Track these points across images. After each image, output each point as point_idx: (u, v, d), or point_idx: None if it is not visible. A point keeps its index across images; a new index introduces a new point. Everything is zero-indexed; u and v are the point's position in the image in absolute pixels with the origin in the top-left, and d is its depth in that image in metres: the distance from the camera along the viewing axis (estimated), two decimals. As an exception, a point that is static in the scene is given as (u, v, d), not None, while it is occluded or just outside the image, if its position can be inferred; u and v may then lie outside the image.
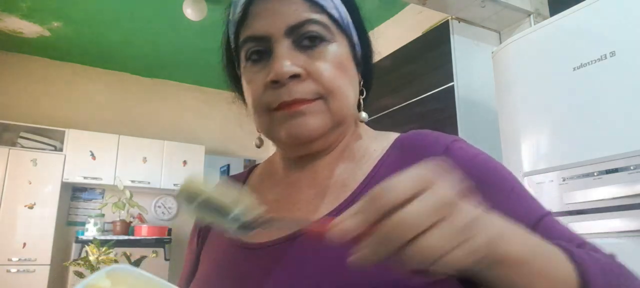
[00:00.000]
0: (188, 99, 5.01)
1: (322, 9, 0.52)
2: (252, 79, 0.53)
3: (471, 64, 2.41)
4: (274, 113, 0.52)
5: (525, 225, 0.41)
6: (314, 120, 0.51)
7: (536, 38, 1.65)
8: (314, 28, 0.51)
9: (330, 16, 0.53)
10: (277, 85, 0.51)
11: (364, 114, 0.60)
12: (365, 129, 0.61)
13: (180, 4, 3.28)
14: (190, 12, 3.28)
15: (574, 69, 1.49)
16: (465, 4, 2.36)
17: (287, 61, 0.50)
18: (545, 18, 2.39)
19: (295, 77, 0.50)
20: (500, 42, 2.52)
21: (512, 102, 1.73)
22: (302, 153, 0.57)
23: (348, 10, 0.56)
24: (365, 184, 0.52)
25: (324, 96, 0.51)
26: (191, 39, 3.93)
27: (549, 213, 0.48)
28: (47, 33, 3.94)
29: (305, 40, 0.51)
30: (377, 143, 0.57)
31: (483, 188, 0.44)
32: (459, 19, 2.47)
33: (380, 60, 3.22)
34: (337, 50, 0.53)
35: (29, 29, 3.86)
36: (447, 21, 2.45)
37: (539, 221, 0.47)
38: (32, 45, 4.16)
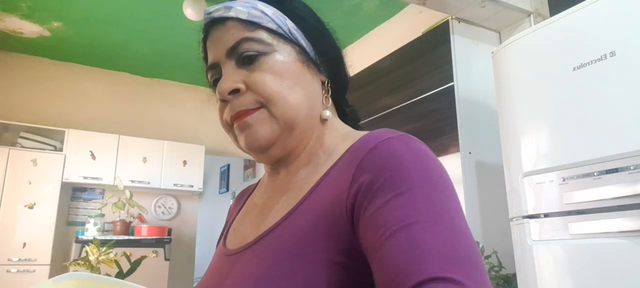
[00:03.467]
0: (188, 99, 5.00)
1: (257, 25, 0.57)
2: (217, 103, 0.60)
3: (471, 64, 2.41)
4: (231, 128, 0.58)
5: (383, 231, 0.41)
6: (261, 129, 0.55)
7: (536, 38, 1.65)
8: (250, 44, 0.56)
9: (267, 29, 0.57)
10: (225, 104, 0.57)
11: (326, 113, 0.60)
12: (338, 130, 0.61)
13: (180, 4, 3.28)
14: (190, 12, 3.28)
15: (574, 69, 1.49)
16: (465, 4, 2.36)
17: (227, 80, 0.56)
18: (545, 18, 2.39)
19: (236, 92, 0.56)
20: (500, 42, 2.52)
21: (512, 102, 1.73)
22: (268, 162, 0.61)
23: (290, 17, 0.59)
24: (313, 190, 0.53)
25: (264, 104, 0.55)
26: (191, 39, 3.89)
27: (416, 223, 0.40)
28: (47, 33, 3.94)
29: (244, 57, 0.56)
30: (345, 143, 0.56)
31: (378, 186, 0.44)
32: (459, 19, 2.47)
33: (380, 60, 3.25)
34: (278, 58, 0.57)
35: (29, 29, 3.86)
36: (447, 21, 2.45)
37: (400, 229, 0.40)
38: (32, 45, 4.16)
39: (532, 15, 2.43)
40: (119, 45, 4.15)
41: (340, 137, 0.59)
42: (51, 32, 3.93)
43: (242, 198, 0.73)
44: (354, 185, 0.47)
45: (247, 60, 0.56)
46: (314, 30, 0.61)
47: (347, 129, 0.62)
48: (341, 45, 0.65)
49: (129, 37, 3.99)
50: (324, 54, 0.61)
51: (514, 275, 1.71)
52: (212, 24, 0.59)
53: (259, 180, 0.73)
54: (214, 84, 0.60)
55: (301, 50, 0.59)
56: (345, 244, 0.46)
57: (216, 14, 0.58)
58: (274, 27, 0.57)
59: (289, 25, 0.58)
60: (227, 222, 0.72)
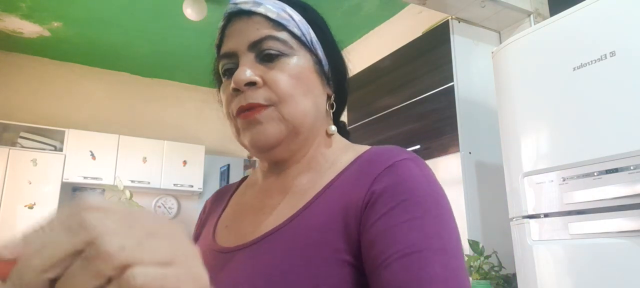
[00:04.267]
0: (188, 99, 5.00)
1: (283, 27, 0.58)
2: (224, 91, 0.60)
3: (471, 64, 2.41)
4: (236, 120, 0.58)
5: (395, 249, 0.46)
6: (269, 128, 0.56)
7: (536, 38, 1.66)
8: (274, 43, 0.57)
9: (291, 33, 0.59)
10: (238, 93, 0.57)
11: (333, 127, 0.63)
12: (338, 141, 0.64)
13: (180, 4, 3.28)
14: (190, 12, 3.28)
15: (574, 69, 1.49)
16: (465, 4, 2.36)
17: (246, 70, 0.56)
18: (545, 18, 2.39)
19: (252, 84, 0.56)
20: (500, 42, 2.52)
21: (512, 102, 1.73)
22: (268, 160, 0.63)
23: (313, 29, 0.61)
24: (320, 194, 0.55)
25: (275, 103, 0.56)
26: (191, 39, 3.93)
27: (426, 250, 0.46)
28: (47, 33, 3.94)
29: (266, 53, 0.57)
30: (347, 155, 0.59)
31: (394, 205, 0.49)
32: (459, 19, 2.47)
33: (380, 60, 3.24)
34: (296, 63, 0.58)
35: (29, 29, 3.86)
36: (447, 21, 2.45)
37: (412, 253, 0.45)
38: (32, 45, 4.16)
39: (532, 15, 2.43)
40: (119, 45, 4.15)
41: (341, 149, 0.62)
42: (51, 32, 3.93)
43: (224, 196, 0.72)
44: (370, 194, 0.50)
45: (268, 58, 0.57)
46: (330, 45, 0.63)
47: (345, 141, 0.65)
48: (346, 59, 0.67)
49: (129, 37, 3.99)
50: (334, 70, 0.64)
51: (514, 275, 1.71)
52: (237, 15, 0.60)
53: (241, 179, 0.74)
54: (224, 73, 0.60)
55: (318, 61, 0.61)
56: (356, 247, 0.49)
57: (244, 6, 0.59)
58: (298, 32, 0.59)
59: (311, 34, 0.60)
60: (203, 220, 0.72)
